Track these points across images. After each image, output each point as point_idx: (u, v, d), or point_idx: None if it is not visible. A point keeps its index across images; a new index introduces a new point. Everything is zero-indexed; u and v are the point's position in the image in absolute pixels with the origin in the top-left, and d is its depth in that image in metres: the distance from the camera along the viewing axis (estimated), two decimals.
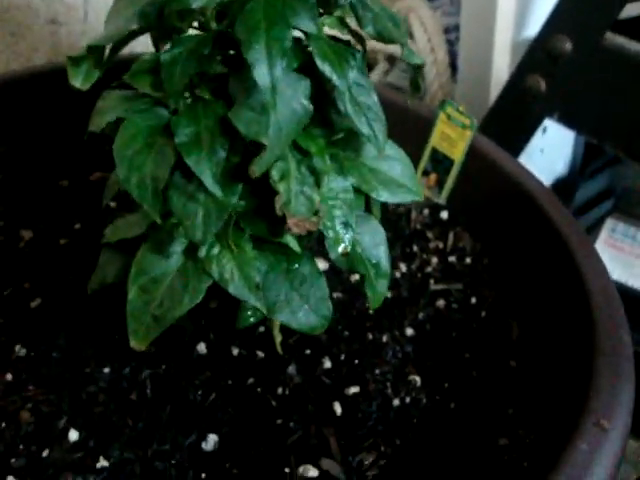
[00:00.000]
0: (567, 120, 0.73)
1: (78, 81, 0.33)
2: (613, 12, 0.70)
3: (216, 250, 0.33)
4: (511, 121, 0.76)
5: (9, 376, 0.42)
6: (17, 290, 0.48)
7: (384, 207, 0.43)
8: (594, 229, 0.84)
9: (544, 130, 0.86)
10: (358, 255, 0.37)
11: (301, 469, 0.39)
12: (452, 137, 0.59)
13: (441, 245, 0.57)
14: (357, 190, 0.36)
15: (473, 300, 0.52)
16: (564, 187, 0.98)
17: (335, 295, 0.50)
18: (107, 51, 0.35)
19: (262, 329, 0.46)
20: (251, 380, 0.44)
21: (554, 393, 0.45)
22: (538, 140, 0.87)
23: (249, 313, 0.39)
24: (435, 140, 0.60)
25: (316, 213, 0.33)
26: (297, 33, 0.32)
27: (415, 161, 0.60)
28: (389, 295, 0.52)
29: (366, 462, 0.40)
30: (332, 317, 0.36)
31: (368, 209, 0.39)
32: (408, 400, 0.44)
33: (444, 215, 0.60)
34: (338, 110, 0.33)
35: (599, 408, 0.37)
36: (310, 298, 0.35)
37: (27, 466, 0.37)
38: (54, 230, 0.54)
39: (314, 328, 0.36)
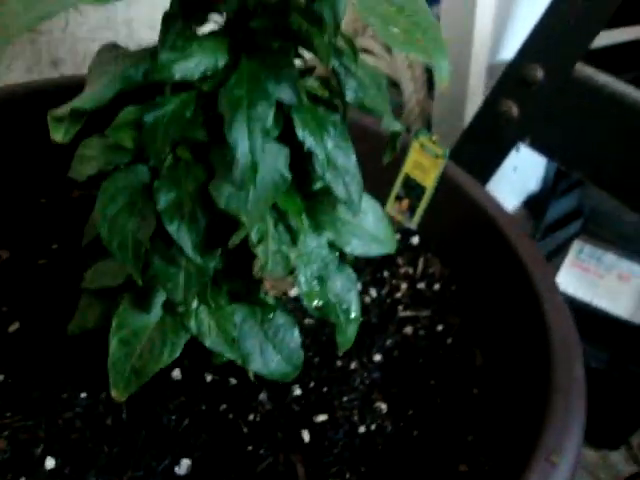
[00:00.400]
0: (538, 145, 0.76)
1: (59, 136, 0.34)
2: (584, 44, 0.72)
3: (194, 305, 0.35)
4: (485, 143, 0.79)
5: None
6: None
7: None
8: (562, 249, 0.87)
9: (517, 149, 0.88)
10: (330, 304, 0.39)
11: None
12: (425, 165, 0.61)
13: (411, 271, 0.60)
14: (332, 244, 0.38)
15: (440, 327, 0.55)
16: (537, 205, 1.01)
17: (306, 321, 0.52)
18: None
19: None
20: (224, 406, 0.46)
21: (512, 422, 0.47)
22: (511, 158, 0.89)
23: None
24: (408, 167, 0.62)
25: (292, 271, 0.35)
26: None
27: (389, 186, 0.63)
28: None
29: None
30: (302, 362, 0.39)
31: (342, 256, 0.40)
32: (374, 427, 0.47)
33: (415, 240, 0.63)
34: (316, 172, 0.34)
35: (550, 444, 0.40)
36: (284, 348, 0.37)
37: None
38: (32, 250, 0.55)
39: (286, 376, 0.38)
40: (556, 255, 0.88)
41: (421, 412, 0.48)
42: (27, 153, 0.63)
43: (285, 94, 0.32)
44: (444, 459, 0.45)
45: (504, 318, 0.53)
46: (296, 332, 0.39)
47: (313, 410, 0.46)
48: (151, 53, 0.33)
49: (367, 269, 0.59)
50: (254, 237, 0.34)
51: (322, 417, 0.46)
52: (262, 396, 0.47)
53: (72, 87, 0.37)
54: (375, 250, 0.40)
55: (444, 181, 0.59)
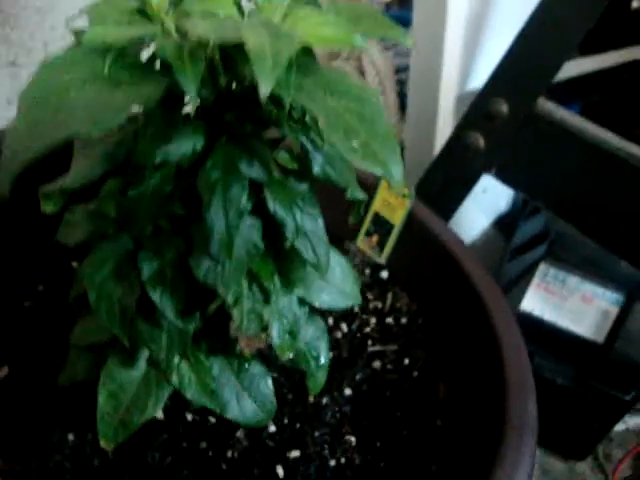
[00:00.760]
0: (503, 177, 0.80)
1: (49, 208, 0.37)
2: (546, 80, 0.76)
3: (176, 360, 0.38)
4: (452, 173, 0.82)
5: None
6: None
7: None
8: (530, 271, 0.91)
9: None
10: (302, 352, 0.42)
11: None
12: (392, 204, 0.64)
13: (380, 305, 0.63)
14: (302, 300, 0.41)
15: (406, 361, 0.58)
16: (507, 225, 1.05)
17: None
18: None
19: None
20: (204, 444, 0.49)
21: (471, 453, 0.51)
22: (481, 180, 0.93)
23: None
24: (377, 205, 0.66)
25: (265, 328, 0.38)
26: None
27: (360, 222, 0.67)
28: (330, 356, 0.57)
29: None
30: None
31: (312, 308, 0.44)
32: (343, 460, 0.50)
33: (384, 274, 0.66)
34: (286, 239, 0.38)
35: (502, 477, 0.44)
36: (258, 396, 0.41)
37: None
38: (18, 291, 0.57)
39: (260, 422, 0.41)
40: (524, 277, 0.92)
41: (388, 444, 0.52)
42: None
43: (257, 173, 0.35)
44: None
45: (465, 352, 0.57)
46: (269, 381, 0.43)
47: (287, 446, 0.50)
48: (134, 134, 0.36)
49: None
50: (230, 300, 0.37)
51: (295, 453, 0.49)
52: (239, 433, 0.50)
53: None
54: (342, 303, 0.43)
55: (409, 217, 0.62)
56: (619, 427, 0.97)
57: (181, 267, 0.36)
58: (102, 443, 0.40)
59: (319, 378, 0.44)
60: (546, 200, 0.78)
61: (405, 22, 1.30)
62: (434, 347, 0.60)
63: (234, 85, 0.33)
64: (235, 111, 0.34)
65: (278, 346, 0.40)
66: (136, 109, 0.38)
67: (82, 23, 0.35)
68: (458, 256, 0.60)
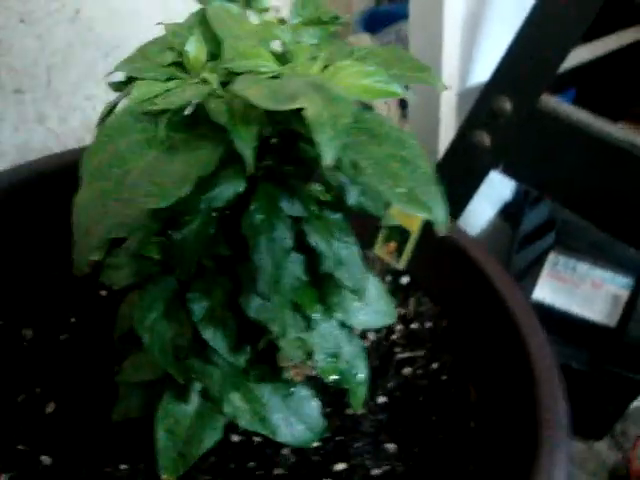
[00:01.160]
0: (510, 173, 0.81)
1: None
2: (548, 75, 0.77)
3: (229, 393, 0.40)
4: (459, 173, 0.84)
5: None
6: (30, 396, 0.53)
7: None
8: (539, 261, 0.93)
9: None
10: (343, 372, 0.44)
11: None
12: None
13: (404, 311, 0.65)
14: (342, 323, 0.43)
15: (435, 365, 0.60)
16: (512, 212, 1.07)
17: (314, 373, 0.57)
18: None
19: None
20: (252, 463, 0.51)
21: (505, 453, 0.53)
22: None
23: None
24: (393, 213, 0.67)
25: (310, 355, 0.40)
26: None
27: (377, 231, 0.68)
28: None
29: None
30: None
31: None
32: (386, 469, 0.52)
33: (405, 280, 0.68)
34: (326, 269, 0.39)
35: (542, 474, 0.45)
36: (306, 419, 0.42)
37: None
38: (53, 325, 0.59)
39: (309, 442, 0.43)
40: (533, 266, 0.94)
41: (426, 449, 0.54)
42: (37, 226, 0.67)
43: (298, 211, 0.37)
44: None
45: (491, 353, 0.59)
46: (316, 402, 0.44)
47: (331, 459, 0.51)
48: None
49: None
50: (277, 332, 0.39)
51: (340, 465, 0.51)
52: (285, 451, 0.51)
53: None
54: (379, 322, 0.45)
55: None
56: (634, 405, 1.00)
57: (230, 305, 0.37)
58: (164, 476, 0.41)
59: (360, 394, 0.46)
60: (554, 193, 0.80)
61: (396, 17, 1.31)
62: (460, 350, 0.61)
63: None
64: (273, 156, 0.36)
65: (322, 369, 0.42)
66: None
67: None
68: (475, 257, 0.62)
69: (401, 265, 0.66)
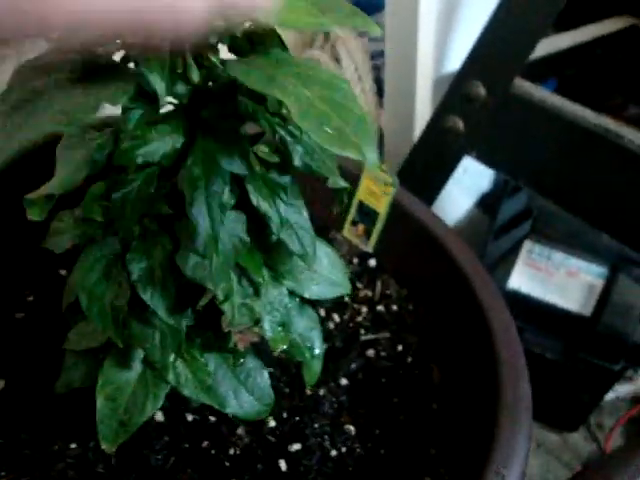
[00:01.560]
0: (483, 159, 0.80)
1: (36, 216, 0.36)
2: (521, 60, 0.77)
3: (171, 359, 0.38)
4: (433, 158, 0.83)
5: None
6: None
7: None
8: (514, 250, 0.92)
9: None
10: (295, 344, 0.42)
11: None
12: (376, 192, 0.64)
13: (370, 293, 0.64)
14: (292, 292, 0.41)
15: (399, 347, 0.59)
16: (490, 204, 1.06)
17: (275, 354, 0.56)
18: None
19: None
20: (206, 443, 0.49)
21: (468, 436, 0.52)
22: (462, 161, 0.94)
23: None
24: (361, 194, 0.66)
25: (257, 322, 0.38)
26: None
27: (345, 212, 0.67)
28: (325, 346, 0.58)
29: None
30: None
31: (303, 299, 0.44)
32: (344, 450, 0.50)
33: (372, 263, 0.66)
34: (272, 232, 0.38)
35: (499, 458, 0.44)
36: (256, 390, 0.41)
37: None
38: (8, 304, 0.57)
39: (259, 414, 0.41)
40: (509, 255, 0.93)
41: (387, 431, 0.52)
42: None
43: (238, 168, 0.35)
44: (410, 473, 0.49)
45: (456, 335, 0.58)
46: (265, 374, 0.43)
47: (288, 440, 0.50)
48: (114, 137, 0.36)
49: None
50: (220, 295, 0.38)
51: (296, 446, 0.50)
52: (240, 430, 0.50)
53: None
54: (332, 293, 0.44)
55: (393, 204, 0.63)
56: (609, 396, 0.99)
57: (170, 266, 0.36)
58: (103, 445, 0.40)
59: (314, 368, 0.44)
60: (527, 179, 0.79)
61: (375, 8, 1.30)
62: (426, 332, 0.60)
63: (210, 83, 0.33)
64: (212, 108, 0.34)
65: (271, 339, 0.40)
66: (117, 112, 0.38)
67: None
68: (443, 240, 0.61)
69: (369, 247, 0.65)
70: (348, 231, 0.68)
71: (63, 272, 0.61)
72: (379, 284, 0.65)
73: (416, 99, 0.89)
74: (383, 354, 0.58)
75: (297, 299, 0.42)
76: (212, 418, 0.50)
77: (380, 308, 0.62)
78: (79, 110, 0.26)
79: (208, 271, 0.34)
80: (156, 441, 0.49)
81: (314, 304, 0.46)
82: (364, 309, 0.62)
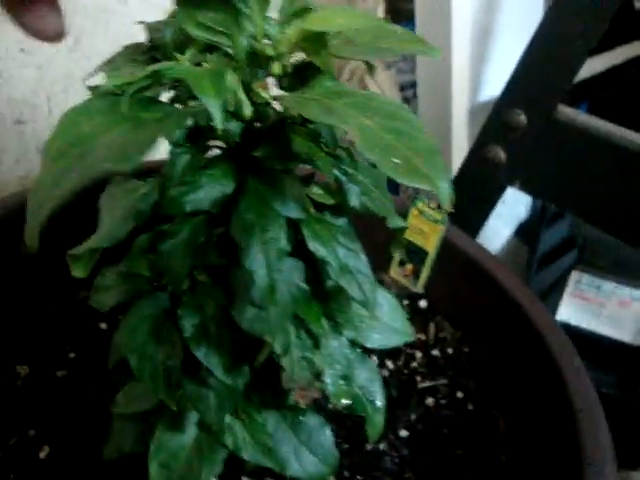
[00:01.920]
0: (528, 188, 0.77)
1: (80, 272, 0.34)
2: (564, 86, 0.74)
3: (227, 420, 0.35)
4: (475, 190, 0.80)
5: None
6: (23, 439, 0.48)
7: None
8: (561, 281, 0.88)
9: None
10: (357, 397, 0.39)
11: None
12: (425, 230, 0.61)
13: (423, 337, 0.60)
14: (353, 342, 0.38)
15: (459, 394, 0.55)
16: (528, 231, 1.02)
17: (330, 405, 0.52)
18: None
19: None
20: None
21: None
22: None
23: None
24: (409, 233, 0.63)
25: (318, 376, 0.35)
26: None
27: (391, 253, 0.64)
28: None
29: None
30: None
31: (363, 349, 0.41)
32: None
33: (423, 304, 0.63)
34: (330, 278, 0.35)
35: None
36: (318, 450, 0.38)
37: None
38: (49, 362, 0.55)
39: (323, 475, 0.38)
40: (555, 286, 0.89)
41: None
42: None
43: (294, 212, 0.33)
44: None
45: (520, 379, 0.54)
46: (328, 431, 0.39)
47: None
48: (159, 186, 0.34)
49: None
50: (278, 349, 0.35)
51: None
52: None
53: None
54: (394, 341, 0.41)
55: (443, 242, 0.59)
56: None
57: (224, 320, 0.33)
58: None
59: (377, 422, 0.41)
60: (575, 208, 0.76)
61: None
62: (486, 377, 0.56)
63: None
64: (264, 148, 0.32)
65: (333, 393, 0.37)
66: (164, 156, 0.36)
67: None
68: (496, 275, 0.57)
69: (419, 288, 0.62)
70: (395, 272, 0.64)
71: (103, 325, 0.58)
72: (432, 326, 0.61)
73: (452, 129, 0.87)
74: (442, 402, 0.54)
75: (358, 349, 0.39)
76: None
77: (435, 352, 0.59)
78: (132, 146, 0.24)
79: (266, 323, 0.31)
80: None
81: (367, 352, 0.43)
82: (418, 354, 0.58)
